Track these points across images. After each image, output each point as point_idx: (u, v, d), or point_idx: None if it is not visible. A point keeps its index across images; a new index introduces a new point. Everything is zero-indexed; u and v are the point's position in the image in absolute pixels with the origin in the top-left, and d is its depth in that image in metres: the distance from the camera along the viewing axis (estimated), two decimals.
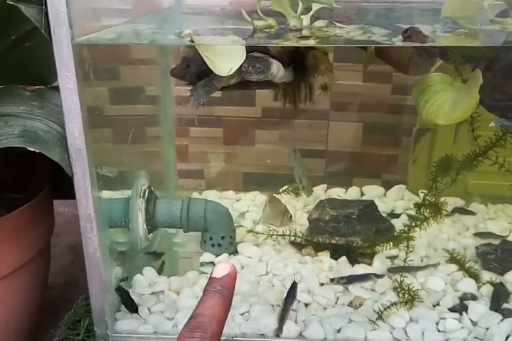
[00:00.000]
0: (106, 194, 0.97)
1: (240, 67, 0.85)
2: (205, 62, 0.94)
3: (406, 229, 1.13)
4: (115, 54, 1.16)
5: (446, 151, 1.62)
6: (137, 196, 1.12)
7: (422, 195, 1.57)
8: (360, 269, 1.20)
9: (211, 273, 0.46)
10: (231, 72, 0.82)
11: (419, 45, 0.85)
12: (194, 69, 0.97)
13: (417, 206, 1.10)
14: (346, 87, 1.64)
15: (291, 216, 1.20)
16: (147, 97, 1.39)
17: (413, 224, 1.12)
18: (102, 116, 1.04)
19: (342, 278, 1.13)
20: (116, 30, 1.00)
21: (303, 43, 0.92)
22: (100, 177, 0.88)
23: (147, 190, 1.17)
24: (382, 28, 0.97)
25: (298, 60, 1.02)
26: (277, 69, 0.93)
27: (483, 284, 1.15)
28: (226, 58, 0.82)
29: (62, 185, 0.90)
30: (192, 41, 0.83)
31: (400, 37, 0.86)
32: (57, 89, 0.79)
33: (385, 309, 1.03)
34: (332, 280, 1.13)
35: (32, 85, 0.98)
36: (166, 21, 1.25)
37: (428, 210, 1.09)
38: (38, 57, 0.92)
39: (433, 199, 1.10)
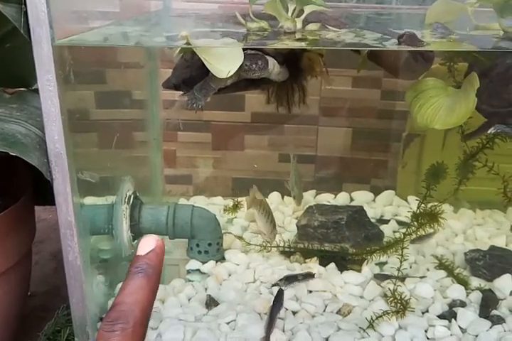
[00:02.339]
0: (88, 200, 0.94)
1: (240, 66, 0.84)
2: (199, 67, 0.94)
3: (401, 236, 1.11)
4: (101, 57, 1.15)
5: (436, 156, 1.62)
6: (122, 202, 1.09)
7: (410, 200, 1.59)
8: (350, 276, 1.18)
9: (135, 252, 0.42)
10: (230, 74, 0.81)
11: (418, 49, 0.85)
12: (189, 75, 0.97)
13: (414, 216, 1.09)
14: (335, 92, 1.63)
15: (274, 224, 1.19)
16: (134, 101, 1.37)
17: (408, 231, 1.10)
18: (85, 120, 1.02)
19: (281, 280, 1.13)
20: (102, 31, 0.98)
21: (300, 45, 0.92)
22: (82, 182, 0.85)
23: (132, 196, 1.14)
24: (375, 32, 0.97)
25: (292, 60, 1.01)
26: (273, 66, 0.92)
27: (472, 290, 1.14)
28: (224, 60, 0.82)
29: (45, 190, 0.88)
30: (188, 43, 0.82)
31: (395, 41, 0.86)
32: (37, 91, 0.76)
33: (377, 318, 1.01)
34: (276, 284, 1.13)
35: (12, 87, 0.96)
36: (154, 24, 1.24)
37: (424, 219, 1.08)
38: (18, 58, 0.90)
39: (429, 208, 1.08)
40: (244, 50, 0.86)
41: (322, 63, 1.07)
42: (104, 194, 1.09)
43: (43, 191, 0.95)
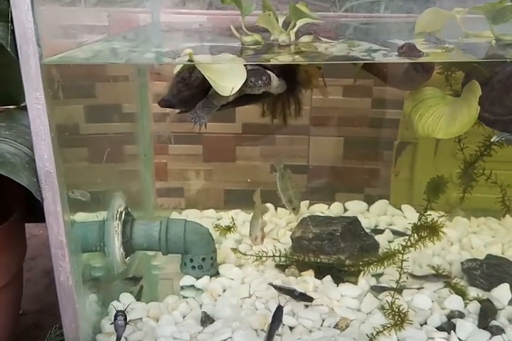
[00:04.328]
0: (79, 216, 0.92)
1: (245, 82, 0.84)
2: (198, 84, 0.94)
3: (398, 248, 1.11)
4: (90, 71, 1.13)
5: (428, 164, 1.64)
6: (113, 218, 1.07)
7: (404, 209, 1.59)
8: (346, 289, 1.17)
9: None
10: (234, 91, 0.81)
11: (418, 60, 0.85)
12: (188, 93, 0.96)
13: (415, 228, 1.08)
14: (326, 102, 1.63)
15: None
16: (124, 115, 1.36)
17: (407, 243, 1.10)
18: (74, 136, 1.00)
19: (279, 289, 1.11)
20: (91, 48, 0.97)
21: (302, 61, 0.92)
22: (73, 200, 0.84)
23: (124, 212, 1.12)
24: (369, 42, 0.97)
25: (288, 73, 1.01)
26: (273, 79, 0.93)
27: (470, 301, 1.13)
28: (227, 77, 0.82)
29: (36, 207, 0.86)
30: (191, 60, 0.81)
31: (386, 52, 0.87)
32: (26, 109, 0.75)
33: (378, 333, 1.00)
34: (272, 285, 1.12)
35: (0, 105, 0.94)
36: (143, 39, 1.23)
37: (424, 232, 1.08)
38: (5, 76, 0.88)
39: (429, 221, 1.08)
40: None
41: (320, 76, 1.07)
42: (95, 210, 1.07)
43: (34, 208, 0.93)
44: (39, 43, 0.71)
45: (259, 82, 0.87)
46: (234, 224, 1.31)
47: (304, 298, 1.09)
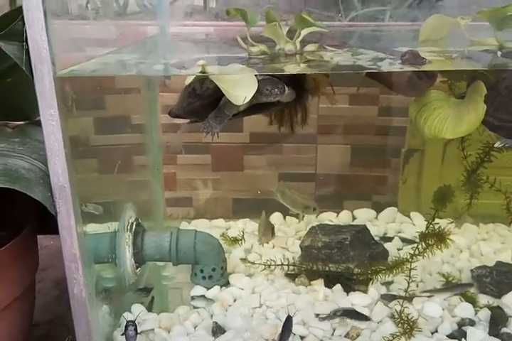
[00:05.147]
0: (91, 228, 0.94)
1: (258, 92, 0.85)
2: (209, 95, 0.95)
3: (408, 257, 1.11)
4: (100, 83, 1.15)
5: (436, 171, 1.64)
6: (124, 229, 1.08)
7: (412, 216, 1.59)
8: (356, 297, 1.17)
9: None
10: (247, 100, 0.83)
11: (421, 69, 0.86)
12: (199, 103, 0.98)
13: (422, 236, 1.09)
14: (333, 110, 1.64)
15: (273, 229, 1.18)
16: (133, 126, 1.38)
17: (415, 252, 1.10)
18: (87, 150, 1.02)
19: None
20: (101, 61, 0.99)
21: (309, 70, 0.93)
22: (85, 213, 0.85)
23: (134, 223, 1.14)
24: (375, 51, 0.98)
25: (296, 81, 1.02)
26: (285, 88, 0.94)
27: (481, 308, 1.13)
28: (240, 87, 0.83)
29: (48, 219, 0.87)
30: (203, 72, 0.83)
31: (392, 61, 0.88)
32: (39, 124, 0.76)
33: None
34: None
35: (13, 121, 0.96)
36: (151, 51, 1.25)
37: (431, 240, 1.08)
38: (19, 92, 0.90)
39: (437, 229, 1.08)
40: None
41: (328, 83, 1.08)
42: (106, 221, 1.08)
43: (45, 221, 0.94)
44: (53, 62, 0.73)
45: (276, 90, 0.89)
46: (243, 237, 1.31)
47: (360, 317, 1.09)
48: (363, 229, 1.36)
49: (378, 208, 1.63)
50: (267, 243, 1.22)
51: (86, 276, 0.83)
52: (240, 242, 1.30)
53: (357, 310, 1.11)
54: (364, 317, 1.09)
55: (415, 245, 1.14)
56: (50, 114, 0.73)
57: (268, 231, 1.14)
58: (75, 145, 0.83)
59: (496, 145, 0.94)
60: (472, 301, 1.14)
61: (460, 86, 1.05)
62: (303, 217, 1.46)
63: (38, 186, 0.76)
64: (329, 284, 1.22)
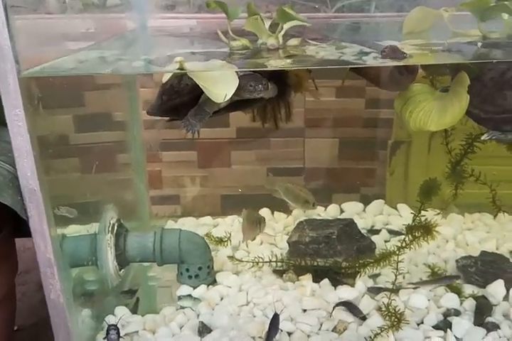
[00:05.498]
0: (69, 231, 0.91)
1: (241, 88, 0.83)
2: (188, 92, 0.92)
3: (395, 249, 1.10)
4: (76, 80, 1.12)
5: (422, 163, 1.63)
6: (105, 231, 1.06)
7: (400, 208, 1.58)
8: (344, 291, 1.16)
9: None
10: (227, 98, 0.80)
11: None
12: (178, 100, 0.95)
13: (409, 229, 1.07)
14: (320, 104, 1.62)
15: (264, 221, 1.15)
16: (114, 123, 1.35)
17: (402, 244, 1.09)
18: (62, 148, 0.99)
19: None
20: (76, 57, 0.96)
21: (293, 65, 0.91)
22: (60, 216, 0.83)
23: (116, 224, 1.11)
24: (358, 44, 0.97)
25: (278, 77, 1.00)
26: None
27: (466, 298, 1.12)
28: (220, 85, 0.81)
29: (26, 222, 0.85)
30: (182, 69, 0.80)
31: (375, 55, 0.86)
32: (6, 124, 0.74)
33: (375, 336, 0.99)
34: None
35: None
36: (131, 46, 1.22)
37: (418, 232, 1.07)
38: None
39: (422, 221, 1.07)
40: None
41: (310, 79, 1.06)
42: (86, 223, 1.06)
43: (23, 223, 0.92)
44: (17, 60, 0.70)
45: (260, 86, 0.87)
46: (229, 238, 1.28)
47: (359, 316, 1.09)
48: (350, 223, 1.35)
49: (366, 200, 1.62)
50: (252, 240, 1.20)
51: (63, 281, 0.81)
52: (225, 243, 1.28)
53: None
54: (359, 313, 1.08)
55: (402, 237, 1.13)
56: (15, 114, 0.71)
57: (250, 230, 1.12)
58: (46, 146, 0.81)
59: (482, 137, 0.93)
60: (457, 291, 1.14)
61: (442, 80, 1.04)
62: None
63: (7, 190, 0.73)
64: (317, 279, 1.21)
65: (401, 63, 0.87)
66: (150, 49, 1.16)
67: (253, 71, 0.89)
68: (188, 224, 1.52)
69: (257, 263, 1.25)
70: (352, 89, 1.62)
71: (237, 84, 0.80)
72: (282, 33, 0.94)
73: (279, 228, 1.50)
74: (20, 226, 0.99)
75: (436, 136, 1.49)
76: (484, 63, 0.91)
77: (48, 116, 0.85)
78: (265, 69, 0.87)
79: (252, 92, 0.86)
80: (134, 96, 1.40)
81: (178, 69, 0.79)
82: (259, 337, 1.02)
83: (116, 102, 1.37)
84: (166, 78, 0.91)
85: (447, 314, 1.08)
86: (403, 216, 1.53)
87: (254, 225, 1.14)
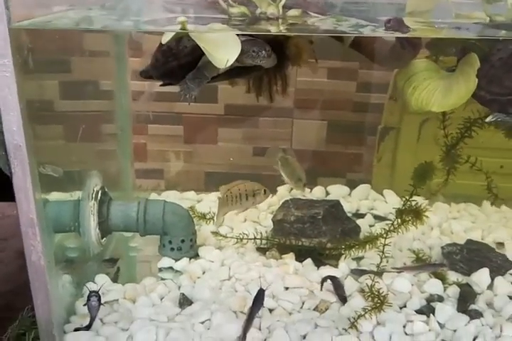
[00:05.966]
0: (52, 196, 0.88)
1: (243, 54, 0.80)
2: (186, 54, 0.89)
3: (380, 232, 1.10)
4: (65, 44, 1.08)
5: (411, 150, 1.63)
6: (89, 198, 1.03)
7: (385, 194, 1.58)
8: (327, 272, 1.15)
9: None
10: (229, 64, 0.77)
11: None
12: (176, 63, 0.91)
13: (399, 212, 1.07)
14: (310, 84, 1.61)
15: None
16: (101, 92, 1.31)
17: (391, 228, 1.09)
18: (47, 111, 0.96)
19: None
20: (66, 15, 0.92)
21: (297, 33, 0.89)
22: (44, 177, 0.80)
23: (100, 191, 1.08)
24: (357, 18, 0.95)
25: (277, 46, 0.97)
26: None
27: (450, 285, 1.13)
28: (222, 49, 0.78)
29: (9, 185, 0.81)
30: (184, 29, 0.77)
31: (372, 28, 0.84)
32: None
33: (359, 317, 0.99)
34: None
35: None
36: (122, 8, 1.17)
37: (408, 216, 1.07)
38: None
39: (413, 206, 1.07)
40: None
41: (312, 51, 1.03)
42: (69, 189, 1.03)
43: (5, 187, 0.88)
44: (7, 6, 0.66)
45: (263, 52, 0.84)
46: (213, 217, 1.26)
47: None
48: (336, 204, 1.34)
49: (352, 185, 1.62)
50: (223, 215, 1.17)
51: (45, 243, 0.78)
52: (207, 221, 1.26)
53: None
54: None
55: (387, 222, 1.13)
56: (3, 64, 0.67)
57: (225, 206, 1.09)
58: (34, 106, 0.77)
59: (487, 119, 0.92)
60: (441, 278, 1.15)
61: (446, 61, 1.02)
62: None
63: None
64: (300, 258, 1.21)
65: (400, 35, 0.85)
66: (143, 12, 1.12)
67: (254, 36, 0.87)
68: (171, 197, 1.50)
69: (241, 239, 1.24)
70: (344, 71, 1.60)
71: (240, 50, 0.78)
72: (283, 2, 0.92)
73: (263, 207, 1.49)
74: (1, 192, 0.96)
75: (426, 125, 1.50)
76: (492, 43, 0.90)
77: (37, 73, 0.81)
78: (267, 33, 0.84)
79: (254, 58, 0.84)
80: (122, 64, 1.35)
81: (180, 29, 0.76)
82: (241, 312, 1.01)
83: (103, 70, 1.33)
84: (166, 39, 0.88)
85: (430, 299, 1.09)
86: (389, 202, 1.54)
87: (232, 201, 1.11)
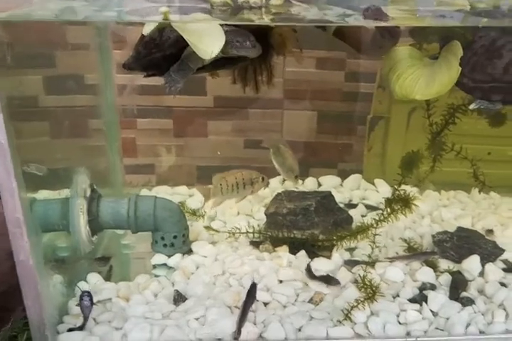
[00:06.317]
0: (39, 194, 0.87)
1: (227, 44, 0.79)
2: (170, 45, 0.87)
3: (371, 222, 1.09)
4: (47, 37, 1.05)
5: (400, 139, 1.63)
6: (77, 195, 1.01)
7: (377, 183, 1.58)
8: (320, 263, 1.15)
9: None
10: (214, 55, 0.76)
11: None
12: (159, 54, 0.89)
13: (388, 202, 1.07)
14: (299, 74, 1.59)
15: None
16: (86, 86, 1.28)
17: (381, 217, 1.09)
18: (31, 107, 0.93)
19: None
20: (45, 6, 0.89)
21: (281, 23, 0.87)
22: (30, 176, 0.78)
23: (89, 189, 1.06)
24: (341, 7, 0.93)
25: (261, 36, 0.95)
26: None
27: (442, 273, 1.14)
28: (206, 39, 0.77)
29: None
30: (166, 19, 0.75)
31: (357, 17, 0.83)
32: None
33: (352, 308, 0.99)
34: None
35: None
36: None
37: (397, 205, 1.06)
38: None
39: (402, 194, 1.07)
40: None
41: (296, 40, 1.02)
42: (57, 187, 1.01)
43: None
44: None
45: (248, 42, 0.83)
46: (203, 214, 1.26)
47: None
48: (328, 196, 1.34)
49: (344, 175, 1.62)
50: (219, 204, 1.15)
51: (33, 243, 0.77)
52: (197, 218, 1.26)
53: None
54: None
55: (379, 211, 1.12)
56: None
57: (217, 196, 1.08)
58: (15, 103, 0.75)
59: (470, 106, 0.92)
60: (433, 266, 1.15)
61: (429, 48, 1.02)
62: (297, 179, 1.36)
63: None
64: (293, 250, 1.21)
65: (384, 24, 0.84)
66: (123, 2, 1.09)
67: (237, 27, 0.85)
68: (162, 192, 1.48)
69: (234, 234, 1.23)
70: (332, 61, 1.59)
71: (224, 40, 0.76)
72: None
73: (256, 200, 1.48)
74: None
75: (415, 113, 1.49)
76: (475, 31, 0.89)
77: (16, 68, 0.79)
78: (251, 23, 0.83)
79: (239, 49, 0.82)
80: (106, 57, 1.32)
81: (163, 20, 0.74)
82: (235, 307, 1.01)
83: (87, 63, 1.30)
84: (147, 30, 0.86)
85: (423, 288, 1.09)
86: (380, 191, 1.54)
87: (228, 189, 1.10)
